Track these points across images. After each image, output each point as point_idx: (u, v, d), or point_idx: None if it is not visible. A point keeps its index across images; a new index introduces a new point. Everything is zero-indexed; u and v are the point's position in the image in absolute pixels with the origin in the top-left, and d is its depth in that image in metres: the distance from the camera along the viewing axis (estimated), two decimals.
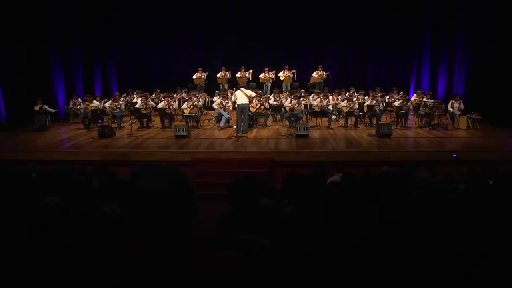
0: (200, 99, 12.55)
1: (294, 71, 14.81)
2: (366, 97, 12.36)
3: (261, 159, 8.58)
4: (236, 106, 10.52)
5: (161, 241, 1.21)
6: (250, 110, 11.43)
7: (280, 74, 14.75)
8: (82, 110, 12.18)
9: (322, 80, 14.81)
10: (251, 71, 14.86)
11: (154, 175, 1.26)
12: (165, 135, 10.74)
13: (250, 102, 10.85)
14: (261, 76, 14.76)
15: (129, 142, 10.01)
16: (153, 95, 13.63)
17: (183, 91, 14.16)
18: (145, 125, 11.86)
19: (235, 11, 16.46)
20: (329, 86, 14.37)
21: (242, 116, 10.38)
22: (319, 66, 15.08)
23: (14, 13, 11.83)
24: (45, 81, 13.14)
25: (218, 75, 15.02)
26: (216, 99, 12.08)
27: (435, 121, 11.79)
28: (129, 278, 1.16)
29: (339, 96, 12.77)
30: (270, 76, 14.80)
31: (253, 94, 10.58)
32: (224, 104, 11.55)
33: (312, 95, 12.46)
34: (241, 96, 10.27)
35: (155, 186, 1.23)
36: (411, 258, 2.06)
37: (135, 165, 7.44)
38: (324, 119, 11.90)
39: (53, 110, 12.39)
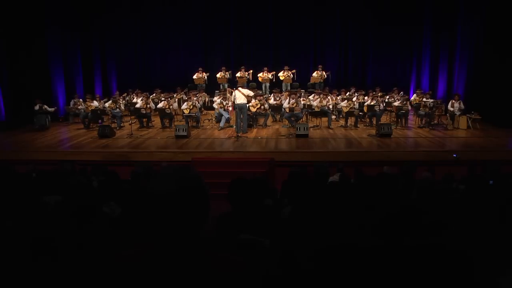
0: (200, 99, 12.54)
1: (294, 71, 14.81)
2: (366, 97, 12.37)
3: (261, 159, 8.58)
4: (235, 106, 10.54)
5: (168, 241, 1.21)
6: (250, 110, 11.42)
7: (280, 74, 14.75)
8: (82, 110, 12.18)
9: (322, 80, 14.81)
10: (251, 71, 14.87)
11: (165, 175, 1.24)
12: (165, 135, 10.74)
13: (249, 101, 10.85)
14: (260, 75, 14.77)
15: (129, 142, 10.01)
16: (153, 94, 13.63)
17: (183, 91, 14.16)
18: (145, 125, 11.86)
19: (235, 11, 16.47)
20: (329, 86, 14.37)
21: (242, 116, 10.40)
22: (319, 66, 15.08)
23: (14, 13, 11.82)
24: (45, 81, 13.15)
25: (218, 75, 15.01)
26: (216, 99, 12.08)
27: (435, 121, 11.79)
28: (132, 279, 1.16)
29: (339, 97, 12.77)
30: (269, 76, 14.80)
31: (251, 93, 10.58)
32: (224, 104, 11.56)
33: (313, 95, 12.47)
34: (239, 96, 10.27)
35: (165, 186, 1.21)
36: (411, 259, 2.06)
37: (135, 165, 7.42)
38: (324, 119, 11.90)
39: (52, 109, 12.40)
